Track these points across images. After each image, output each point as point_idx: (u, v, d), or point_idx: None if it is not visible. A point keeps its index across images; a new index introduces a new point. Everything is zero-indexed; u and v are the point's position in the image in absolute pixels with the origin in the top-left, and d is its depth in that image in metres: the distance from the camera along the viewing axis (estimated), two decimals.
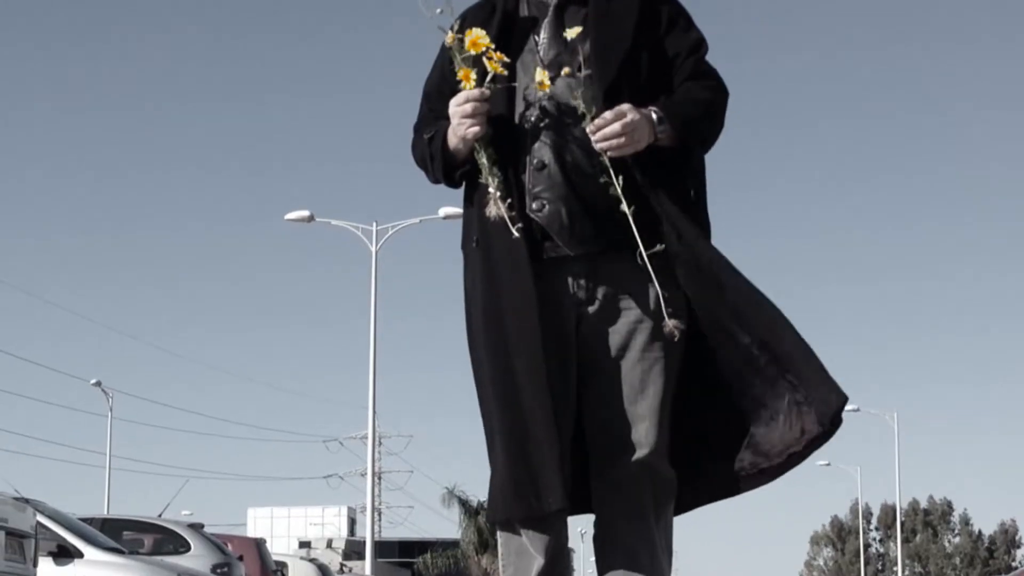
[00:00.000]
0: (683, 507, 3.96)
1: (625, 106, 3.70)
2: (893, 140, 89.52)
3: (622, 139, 3.68)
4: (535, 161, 3.81)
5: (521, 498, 3.76)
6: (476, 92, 3.74)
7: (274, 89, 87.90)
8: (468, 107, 3.74)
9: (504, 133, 3.81)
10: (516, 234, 3.73)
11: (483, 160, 3.78)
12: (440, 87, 3.99)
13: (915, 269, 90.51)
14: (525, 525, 3.84)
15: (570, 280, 3.82)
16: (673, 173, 3.83)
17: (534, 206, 3.80)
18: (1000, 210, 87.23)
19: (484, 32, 3.75)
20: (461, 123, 3.77)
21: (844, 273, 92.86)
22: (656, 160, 3.78)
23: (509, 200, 3.75)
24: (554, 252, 3.81)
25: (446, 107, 3.91)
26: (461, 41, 3.76)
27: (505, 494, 3.78)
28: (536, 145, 3.81)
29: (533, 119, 3.82)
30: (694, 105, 3.84)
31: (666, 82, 3.86)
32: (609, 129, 3.69)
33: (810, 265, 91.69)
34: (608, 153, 3.70)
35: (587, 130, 3.71)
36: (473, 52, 3.73)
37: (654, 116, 3.75)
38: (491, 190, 3.77)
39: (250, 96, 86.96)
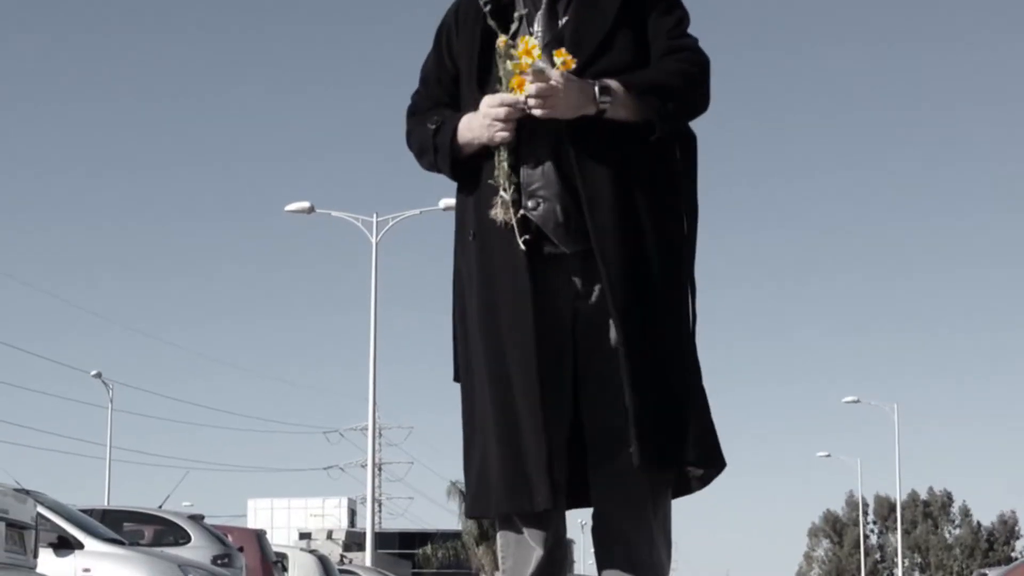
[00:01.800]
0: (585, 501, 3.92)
1: (553, 72, 3.67)
2: (899, 135, 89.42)
3: (540, 100, 3.66)
4: (530, 158, 3.80)
5: (512, 496, 3.78)
6: (511, 98, 3.71)
7: (274, 81, 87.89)
8: (502, 111, 3.73)
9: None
10: (523, 246, 3.74)
11: (504, 165, 3.77)
12: (438, 74, 3.99)
13: (916, 261, 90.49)
14: (524, 518, 3.85)
15: (566, 276, 3.82)
16: (653, 150, 3.81)
17: (529, 204, 3.79)
18: (1002, 205, 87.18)
19: (536, 42, 3.71)
20: (492, 125, 3.75)
21: (845, 265, 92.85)
22: (615, 138, 3.76)
23: (522, 211, 3.76)
24: (550, 249, 3.81)
25: (443, 94, 3.92)
26: (512, 47, 3.72)
27: (496, 490, 3.80)
28: (532, 141, 3.80)
29: (528, 114, 3.79)
30: (661, 74, 3.80)
31: (646, 65, 3.85)
32: (528, 86, 3.66)
33: (812, 258, 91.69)
34: (534, 112, 3.68)
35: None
36: (528, 60, 3.67)
37: (595, 87, 3.72)
38: (503, 195, 3.76)
39: (250, 88, 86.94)
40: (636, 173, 3.80)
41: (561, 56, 3.68)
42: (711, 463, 3.86)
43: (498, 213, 3.77)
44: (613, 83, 3.74)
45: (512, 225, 3.76)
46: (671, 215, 3.87)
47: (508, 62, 3.72)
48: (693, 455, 3.80)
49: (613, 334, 3.79)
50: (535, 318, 3.76)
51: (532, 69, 3.66)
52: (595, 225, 3.75)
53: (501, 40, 3.75)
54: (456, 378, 3.99)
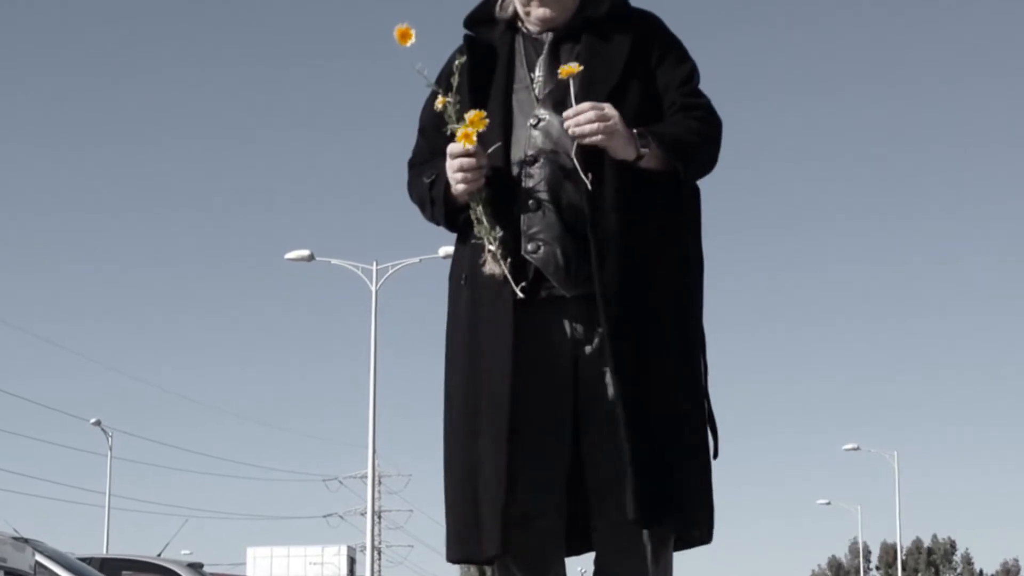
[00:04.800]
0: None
1: (608, 106, 3.70)
2: (896, 179, 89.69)
3: (595, 125, 3.67)
4: (530, 202, 3.80)
5: (463, 541, 3.78)
6: (459, 147, 3.72)
7: (274, 127, 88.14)
8: (455, 163, 3.74)
9: (499, 172, 3.81)
10: (520, 294, 3.72)
11: (479, 216, 3.75)
12: (435, 122, 3.98)
13: (915, 307, 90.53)
14: (520, 565, 3.82)
15: (567, 321, 3.81)
16: (661, 201, 3.82)
17: (529, 247, 3.79)
18: (1004, 251, 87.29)
19: (484, 114, 3.71)
20: (452, 178, 3.76)
21: (844, 312, 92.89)
22: (644, 186, 3.77)
23: (510, 259, 3.73)
24: (549, 292, 3.80)
25: (442, 142, 3.93)
26: (458, 109, 3.73)
27: (450, 535, 3.81)
28: (531, 185, 3.80)
29: (528, 158, 3.82)
30: (683, 130, 3.82)
31: (656, 117, 3.85)
32: (583, 116, 3.68)
33: (811, 304, 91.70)
34: (581, 140, 3.69)
35: (564, 116, 3.70)
36: (472, 129, 3.68)
37: (636, 132, 3.74)
38: (490, 247, 3.74)
39: (250, 134, 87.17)
40: (645, 223, 3.80)
41: (568, 71, 3.69)
42: (697, 527, 3.79)
43: (489, 268, 3.75)
44: (649, 135, 3.76)
45: (505, 276, 3.74)
46: (679, 266, 3.86)
47: (450, 123, 3.74)
48: (681, 517, 3.73)
49: (611, 382, 3.76)
50: (513, 367, 3.73)
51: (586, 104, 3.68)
52: (602, 273, 3.73)
53: (440, 101, 3.76)
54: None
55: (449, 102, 3.76)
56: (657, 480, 3.70)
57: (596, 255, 3.74)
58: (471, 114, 3.69)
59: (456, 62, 3.83)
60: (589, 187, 3.72)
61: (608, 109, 3.70)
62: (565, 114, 3.71)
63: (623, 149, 3.72)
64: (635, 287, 3.76)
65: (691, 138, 3.82)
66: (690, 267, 3.90)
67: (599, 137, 3.69)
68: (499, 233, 3.75)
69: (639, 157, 3.74)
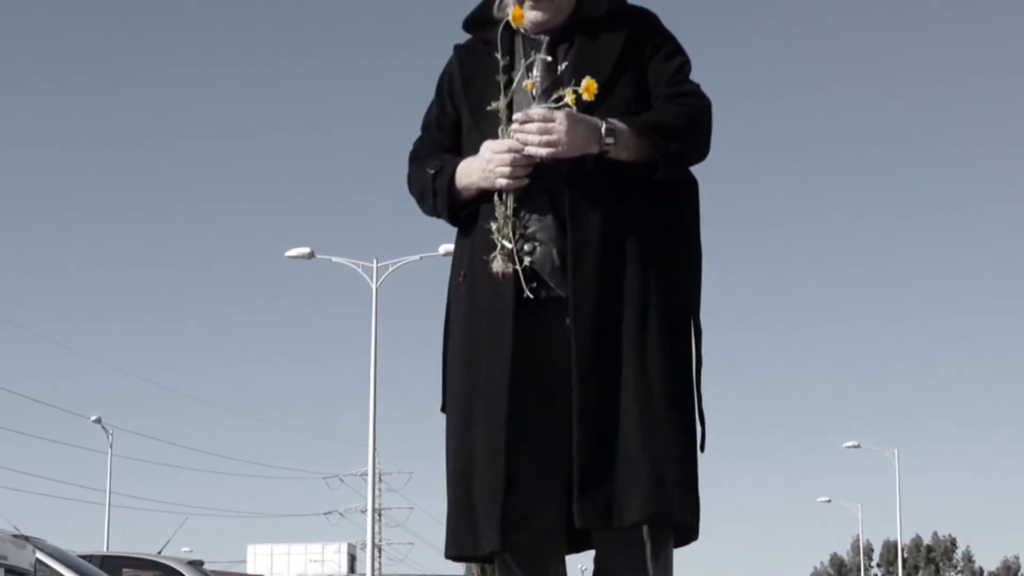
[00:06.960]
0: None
1: (559, 111, 3.69)
2: (896, 179, 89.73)
3: (538, 138, 3.66)
4: (528, 201, 3.79)
5: (461, 537, 3.79)
6: (518, 144, 3.71)
7: (273, 125, 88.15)
8: (507, 157, 3.73)
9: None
10: (530, 294, 3.72)
11: (503, 212, 3.75)
12: (440, 120, 4.00)
13: (915, 307, 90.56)
14: (519, 562, 3.82)
15: (563, 320, 3.78)
16: (651, 195, 3.80)
17: (526, 248, 3.78)
18: (1002, 249, 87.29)
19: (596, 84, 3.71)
20: (496, 170, 3.75)
21: (845, 310, 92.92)
22: (633, 181, 3.77)
23: (527, 260, 3.74)
24: (547, 292, 3.79)
25: (444, 139, 3.92)
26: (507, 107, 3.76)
27: (449, 531, 3.82)
28: (528, 185, 3.78)
29: None
30: (664, 115, 3.79)
31: (646, 111, 3.84)
32: (529, 126, 3.68)
33: (813, 302, 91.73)
34: (527, 151, 3.69)
35: (510, 129, 3.72)
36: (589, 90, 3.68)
37: (602, 127, 3.71)
38: (506, 244, 3.74)
39: (250, 134, 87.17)
40: (633, 218, 3.79)
41: (584, 84, 3.68)
42: (680, 518, 3.75)
43: (498, 265, 3.75)
44: (619, 123, 3.73)
45: (517, 274, 3.74)
46: (670, 260, 3.84)
47: (506, 122, 3.74)
48: (646, 514, 3.68)
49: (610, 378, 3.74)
50: (512, 364, 3.74)
51: (534, 112, 3.68)
52: (577, 275, 3.74)
53: (528, 84, 3.77)
54: (443, 408, 3.98)
55: (502, 99, 3.75)
56: (608, 481, 3.67)
57: (572, 255, 3.74)
58: (585, 81, 3.69)
59: (502, 62, 3.82)
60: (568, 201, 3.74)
61: (557, 120, 3.67)
62: (515, 118, 3.71)
63: (580, 147, 3.70)
64: (613, 286, 3.75)
65: (673, 122, 3.79)
66: (683, 261, 3.88)
67: (544, 151, 3.68)
68: (518, 231, 3.75)
69: (603, 151, 3.73)
